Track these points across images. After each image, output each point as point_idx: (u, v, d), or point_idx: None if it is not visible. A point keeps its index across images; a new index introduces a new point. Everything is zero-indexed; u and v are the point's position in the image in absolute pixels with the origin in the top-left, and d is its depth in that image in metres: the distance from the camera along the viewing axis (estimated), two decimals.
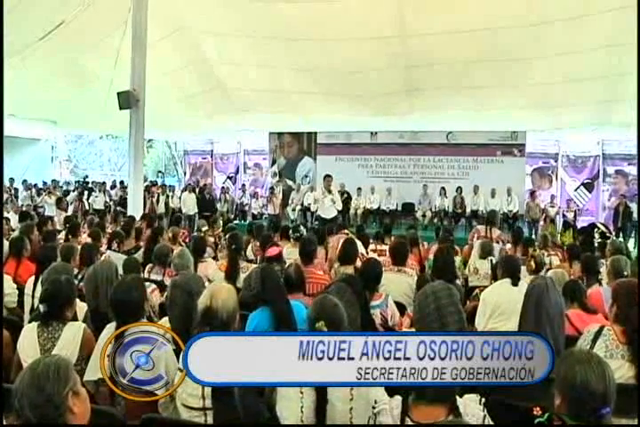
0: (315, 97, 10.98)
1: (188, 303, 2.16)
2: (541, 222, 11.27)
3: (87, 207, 11.95)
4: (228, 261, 4.07)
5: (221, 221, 10.29)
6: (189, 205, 12.31)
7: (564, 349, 2.35)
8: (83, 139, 18.70)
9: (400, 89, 10.24)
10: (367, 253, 5.51)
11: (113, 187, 13.98)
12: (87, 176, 16.20)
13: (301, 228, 5.53)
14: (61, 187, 13.89)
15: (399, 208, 12.33)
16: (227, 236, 5.29)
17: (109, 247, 4.87)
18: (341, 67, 9.81)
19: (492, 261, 4.76)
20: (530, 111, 10.49)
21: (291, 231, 5.59)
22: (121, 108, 8.24)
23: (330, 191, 8.26)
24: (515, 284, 3.37)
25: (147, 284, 2.82)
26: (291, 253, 4.91)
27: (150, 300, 2.96)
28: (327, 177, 8.56)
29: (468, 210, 11.51)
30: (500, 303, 3.32)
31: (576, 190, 12.36)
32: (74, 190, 13.43)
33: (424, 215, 11.90)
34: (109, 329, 2.29)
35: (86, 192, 12.97)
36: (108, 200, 12.64)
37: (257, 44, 9.70)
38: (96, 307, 2.75)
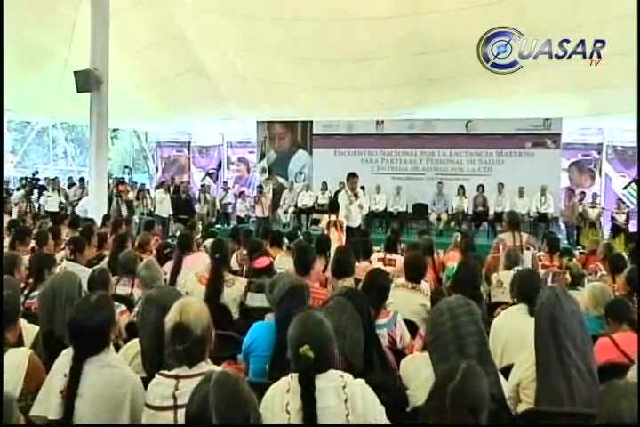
0: (311, 88, 10.98)
1: (163, 321, 2.16)
2: None
3: (37, 209, 11.92)
4: (210, 273, 4.06)
5: (201, 226, 10.32)
6: (163, 206, 12.30)
7: (596, 368, 2.30)
8: (31, 127, 18.61)
9: (413, 78, 10.25)
10: (370, 262, 5.54)
11: (70, 185, 13.95)
12: (37, 172, 16.12)
13: (298, 233, 5.55)
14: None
15: (409, 210, 12.36)
16: (209, 243, 5.29)
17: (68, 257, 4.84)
18: (344, 53, 9.81)
19: (517, 271, 4.74)
20: (566, 94, 10.47)
21: (286, 238, 5.59)
22: (79, 91, 8.24)
23: (356, 195, 7.77)
24: (532, 312, 2.74)
25: (115, 304, 2.80)
26: (283, 262, 4.92)
27: (118, 324, 2.95)
28: (352, 176, 7.95)
29: (491, 212, 11.50)
30: (512, 338, 3.01)
31: (625, 188, 12.05)
32: (19, 189, 13.35)
33: (439, 218, 11.91)
34: (65, 357, 2.26)
35: (36, 191, 12.91)
36: (63, 201, 12.60)
37: (242, 23, 9.69)
38: (50, 330, 2.72)
